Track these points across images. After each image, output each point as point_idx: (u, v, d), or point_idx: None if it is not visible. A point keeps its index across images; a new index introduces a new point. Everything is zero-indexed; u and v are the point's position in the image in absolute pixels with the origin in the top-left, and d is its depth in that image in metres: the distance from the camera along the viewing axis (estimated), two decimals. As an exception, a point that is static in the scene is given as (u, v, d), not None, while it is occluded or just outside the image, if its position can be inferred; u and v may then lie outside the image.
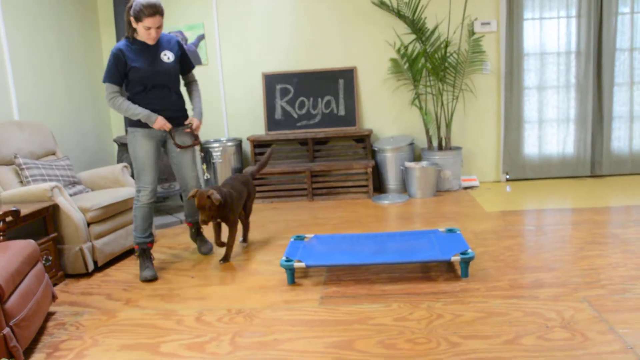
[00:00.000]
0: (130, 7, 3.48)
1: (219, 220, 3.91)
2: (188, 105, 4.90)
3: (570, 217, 4.52)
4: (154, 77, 3.62)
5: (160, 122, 3.60)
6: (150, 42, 3.58)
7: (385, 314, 2.85)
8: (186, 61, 3.87)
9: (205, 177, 5.97)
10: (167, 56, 3.69)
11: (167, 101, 3.72)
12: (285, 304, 3.09)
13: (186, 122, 3.86)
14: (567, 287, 3.03)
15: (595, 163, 6.14)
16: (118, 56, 3.52)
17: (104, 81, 3.56)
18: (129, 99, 3.64)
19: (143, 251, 3.75)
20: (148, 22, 3.45)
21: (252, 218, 5.23)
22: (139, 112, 3.56)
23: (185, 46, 6.33)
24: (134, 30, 3.56)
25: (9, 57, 4.67)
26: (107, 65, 3.56)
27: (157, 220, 5.16)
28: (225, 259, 3.91)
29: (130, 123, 3.68)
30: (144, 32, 3.50)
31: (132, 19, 3.48)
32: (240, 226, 4.41)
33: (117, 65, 3.53)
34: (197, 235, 4.20)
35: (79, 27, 5.88)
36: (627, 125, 6.03)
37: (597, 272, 3.23)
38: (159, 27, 3.52)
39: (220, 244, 3.96)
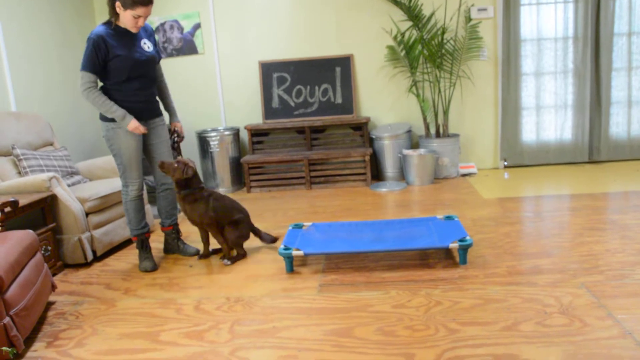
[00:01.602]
0: None
1: (193, 223, 3.71)
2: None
3: (568, 204, 4.53)
4: (136, 67, 3.43)
5: (133, 125, 3.42)
6: (135, 30, 3.39)
7: (383, 301, 2.86)
8: (157, 51, 3.67)
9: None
10: (147, 45, 3.52)
11: (148, 92, 3.57)
12: (284, 292, 3.10)
13: (171, 129, 3.82)
14: (565, 274, 3.04)
15: (593, 149, 6.15)
16: (99, 43, 3.29)
17: (82, 69, 3.32)
18: (105, 89, 3.45)
19: (142, 242, 3.72)
20: (140, 10, 3.28)
21: (250, 207, 5.23)
22: (115, 110, 3.37)
23: (180, 35, 6.32)
24: (117, 15, 3.36)
25: (4, 48, 4.64)
26: (85, 53, 3.31)
27: (154, 210, 5.14)
28: (234, 257, 3.69)
29: (105, 118, 3.48)
30: (131, 19, 3.31)
31: (119, 4, 3.28)
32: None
33: (97, 53, 3.30)
34: (177, 240, 3.96)
35: (73, 17, 5.85)
36: (625, 111, 6.02)
37: (596, 258, 3.24)
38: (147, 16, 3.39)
39: (209, 252, 3.84)
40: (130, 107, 3.48)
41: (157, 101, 3.73)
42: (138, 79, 3.48)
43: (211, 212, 3.63)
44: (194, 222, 3.69)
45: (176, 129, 3.84)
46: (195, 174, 3.62)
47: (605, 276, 2.96)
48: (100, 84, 3.46)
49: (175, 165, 3.53)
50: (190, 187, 3.60)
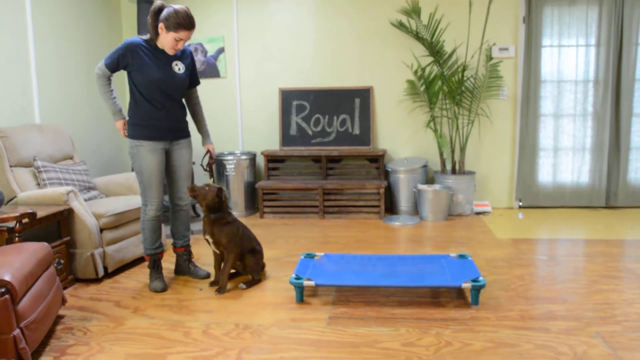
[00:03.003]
0: (159, 10, 3.39)
1: (218, 246, 3.66)
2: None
3: (583, 249, 4.49)
4: (161, 86, 3.49)
5: (119, 125, 3.56)
6: (172, 52, 3.47)
7: (393, 338, 2.83)
8: (194, 75, 3.77)
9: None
10: (179, 67, 3.57)
11: (173, 113, 3.60)
12: (293, 322, 3.07)
13: (205, 149, 3.86)
14: (580, 321, 3.00)
15: (610, 194, 6.10)
16: (127, 51, 3.41)
17: (104, 61, 3.45)
18: (134, 100, 3.52)
19: (154, 262, 3.72)
20: (183, 34, 3.37)
21: (262, 232, 5.23)
22: (110, 106, 3.51)
23: (204, 59, 6.41)
24: (157, 35, 3.44)
25: (34, 63, 4.73)
26: (114, 50, 3.44)
27: (167, 229, 5.16)
28: (220, 290, 3.59)
29: (134, 135, 3.53)
30: (172, 41, 3.39)
31: (162, 25, 3.36)
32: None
33: (121, 58, 3.42)
34: (188, 262, 3.96)
35: (101, 35, 5.95)
36: (644, 158, 6.00)
37: (612, 307, 3.19)
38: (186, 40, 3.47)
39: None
40: (152, 124, 3.53)
41: (185, 122, 3.76)
42: (163, 98, 3.54)
43: (239, 238, 3.65)
44: (219, 246, 3.63)
45: (209, 149, 3.86)
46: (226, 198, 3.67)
47: (623, 327, 2.91)
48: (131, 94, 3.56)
49: (207, 188, 3.56)
50: (221, 210, 3.62)
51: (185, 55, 3.65)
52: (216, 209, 3.60)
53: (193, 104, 3.86)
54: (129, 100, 3.58)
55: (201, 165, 3.92)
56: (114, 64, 3.44)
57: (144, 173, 3.55)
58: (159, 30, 3.40)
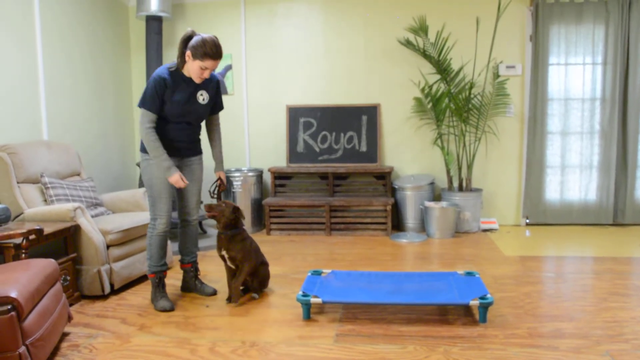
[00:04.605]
0: (188, 38, 3.36)
1: (234, 262, 3.68)
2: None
3: (591, 266, 4.45)
4: (185, 115, 3.50)
5: (174, 179, 3.46)
6: (198, 81, 3.45)
7: (400, 355, 2.81)
8: (218, 102, 3.76)
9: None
10: (203, 97, 3.56)
11: (186, 134, 3.61)
12: (300, 339, 3.06)
13: (216, 176, 3.85)
14: (588, 339, 2.96)
15: (618, 211, 6.07)
16: (160, 83, 3.37)
17: (143, 107, 3.40)
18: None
19: (160, 280, 3.69)
20: (209, 63, 3.35)
21: (269, 249, 5.23)
22: (163, 160, 3.42)
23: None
24: (184, 63, 3.43)
25: (43, 80, 4.78)
26: (147, 90, 3.38)
27: (174, 246, 5.16)
28: (231, 299, 3.68)
29: (145, 150, 3.55)
30: (198, 70, 3.37)
31: (189, 53, 3.34)
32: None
33: (158, 92, 3.38)
34: (195, 279, 3.95)
35: (110, 54, 6.02)
36: (652, 175, 5.97)
37: (621, 326, 3.15)
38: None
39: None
40: (166, 143, 3.54)
41: (199, 140, 3.79)
42: (184, 123, 3.58)
43: (254, 253, 3.74)
44: (234, 261, 3.67)
45: (220, 177, 3.86)
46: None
47: (632, 345, 2.87)
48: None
49: (224, 206, 3.60)
50: (236, 227, 3.67)
51: (211, 84, 3.64)
52: (232, 226, 3.65)
53: (212, 129, 3.85)
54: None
55: (209, 191, 3.86)
56: (157, 103, 3.40)
57: (154, 187, 3.55)
58: (186, 58, 3.38)
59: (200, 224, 6.05)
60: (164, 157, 3.43)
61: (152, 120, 3.41)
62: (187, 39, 3.38)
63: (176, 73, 3.46)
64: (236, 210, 3.64)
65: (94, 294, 3.84)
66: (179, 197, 3.82)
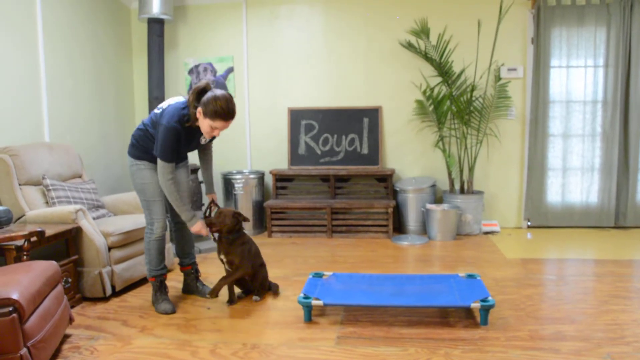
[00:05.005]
0: (201, 91, 3.26)
1: (231, 265, 3.68)
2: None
3: (592, 269, 4.45)
4: (181, 152, 3.51)
5: (197, 227, 3.48)
6: (207, 137, 3.38)
7: (402, 358, 2.81)
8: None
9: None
10: (204, 139, 3.55)
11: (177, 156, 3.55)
12: (301, 341, 3.06)
13: (209, 199, 3.85)
14: (589, 342, 2.96)
15: (619, 214, 6.06)
16: (178, 137, 3.29)
17: (164, 160, 3.30)
18: (147, 135, 3.45)
19: (160, 283, 3.69)
20: (219, 123, 3.24)
21: (270, 252, 5.23)
22: (185, 210, 3.43)
23: (213, 78, 6.46)
24: (195, 115, 3.29)
25: (45, 82, 4.79)
26: (165, 141, 3.26)
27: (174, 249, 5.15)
28: (212, 292, 3.61)
29: (135, 156, 3.52)
30: (207, 128, 3.27)
31: (200, 110, 3.23)
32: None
33: (176, 144, 3.30)
34: (196, 281, 3.96)
35: (112, 56, 6.04)
36: (654, 178, 5.96)
37: (622, 328, 3.15)
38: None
39: (235, 298, 3.79)
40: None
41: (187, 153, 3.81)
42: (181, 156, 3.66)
43: (252, 257, 3.75)
44: (232, 265, 3.67)
45: (213, 199, 3.86)
46: None
47: (633, 348, 2.87)
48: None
49: (223, 216, 3.58)
50: (238, 231, 3.68)
51: None
52: (234, 230, 3.66)
53: (205, 153, 3.84)
54: (140, 126, 3.53)
55: (206, 216, 3.79)
56: (174, 153, 3.33)
57: (147, 190, 3.53)
58: (197, 114, 3.27)
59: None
60: (186, 207, 3.47)
61: (172, 170, 3.36)
62: (200, 92, 3.27)
63: (188, 121, 3.34)
64: (237, 215, 3.64)
65: (95, 296, 3.84)
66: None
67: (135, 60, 6.55)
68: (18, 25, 4.51)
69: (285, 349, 2.95)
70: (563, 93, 5.99)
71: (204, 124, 3.27)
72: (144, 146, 3.50)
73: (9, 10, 4.40)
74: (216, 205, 3.84)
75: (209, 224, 3.57)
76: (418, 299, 3.35)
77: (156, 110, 3.47)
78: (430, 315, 3.42)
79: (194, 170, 5.61)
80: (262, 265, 3.89)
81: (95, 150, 5.64)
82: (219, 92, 3.24)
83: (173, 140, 3.28)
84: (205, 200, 6.38)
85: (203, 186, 6.05)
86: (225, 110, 3.21)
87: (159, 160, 3.33)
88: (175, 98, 3.48)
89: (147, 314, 3.58)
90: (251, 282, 3.83)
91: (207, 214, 3.79)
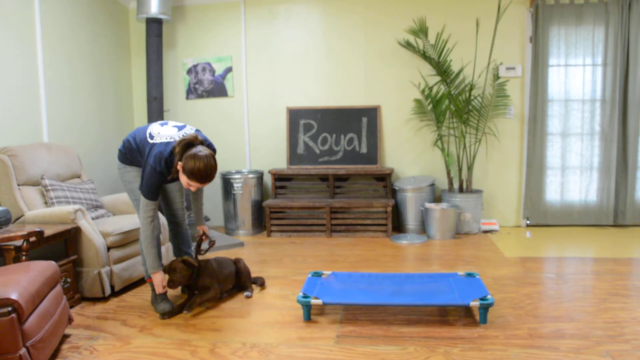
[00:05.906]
0: (187, 144, 3.20)
1: (204, 287, 3.67)
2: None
3: (591, 267, 4.45)
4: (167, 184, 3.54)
5: (157, 280, 3.47)
6: (186, 187, 3.43)
7: (401, 356, 2.81)
8: None
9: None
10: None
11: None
12: (301, 340, 3.06)
13: (200, 231, 3.84)
14: (589, 340, 2.96)
15: (618, 212, 6.06)
16: (162, 180, 3.29)
17: (147, 198, 3.31)
18: (133, 152, 3.46)
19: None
20: (194, 183, 3.21)
21: (269, 251, 5.23)
22: (154, 260, 3.43)
23: (212, 78, 6.46)
24: (176, 165, 3.24)
25: (43, 82, 4.78)
26: (150, 180, 3.26)
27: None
28: (189, 307, 3.53)
29: (122, 160, 3.54)
30: (185, 183, 3.25)
31: (180, 164, 3.19)
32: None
33: (160, 184, 3.31)
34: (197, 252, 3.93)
35: (110, 57, 6.03)
36: (652, 176, 5.97)
37: (621, 326, 3.15)
38: None
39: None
40: None
41: None
42: None
43: (217, 268, 3.81)
44: (205, 287, 3.68)
45: (204, 231, 3.86)
46: (194, 268, 3.62)
47: (632, 345, 2.87)
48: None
49: (175, 269, 3.51)
50: (198, 270, 3.65)
51: None
52: (195, 273, 3.62)
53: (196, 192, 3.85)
54: (127, 142, 3.50)
55: (200, 251, 3.80)
56: (158, 192, 3.35)
57: (136, 191, 3.54)
58: (178, 166, 3.22)
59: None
60: (153, 257, 3.44)
61: (154, 209, 3.35)
62: (186, 145, 3.21)
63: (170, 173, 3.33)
64: (185, 262, 3.53)
65: (95, 296, 3.84)
66: (163, 202, 3.83)
67: (133, 60, 6.55)
68: (17, 26, 4.50)
69: (285, 348, 2.95)
70: (562, 92, 5.99)
71: (182, 178, 3.23)
72: (129, 158, 3.54)
73: (7, 11, 4.40)
74: (207, 237, 3.85)
75: (172, 285, 3.49)
76: (417, 297, 3.35)
77: (147, 136, 3.41)
78: (429, 313, 3.42)
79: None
80: (237, 261, 3.97)
81: (94, 151, 5.64)
82: (202, 152, 3.17)
83: (157, 183, 3.29)
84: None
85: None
86: (202, 174, 3.16)
87: (142, 197, 3.34)
88: (168, 128, 3.43)
89: (146, 313, 3.58)
90: (238, 280, 3.93)
91: (203, 248, 3.84)
